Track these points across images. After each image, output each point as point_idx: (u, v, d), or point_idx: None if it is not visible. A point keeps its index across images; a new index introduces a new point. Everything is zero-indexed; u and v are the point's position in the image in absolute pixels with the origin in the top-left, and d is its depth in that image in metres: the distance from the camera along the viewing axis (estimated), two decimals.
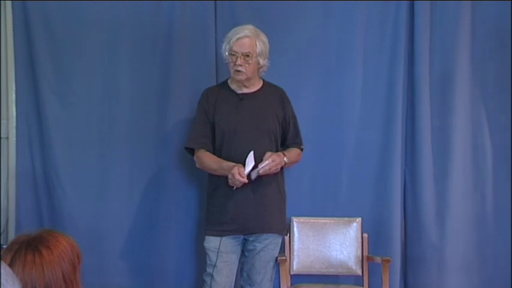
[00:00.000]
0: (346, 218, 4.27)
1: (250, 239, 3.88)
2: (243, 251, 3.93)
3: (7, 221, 4.32)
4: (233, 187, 3.74)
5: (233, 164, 3.72)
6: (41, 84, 4.29)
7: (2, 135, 4.35)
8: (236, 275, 3.92)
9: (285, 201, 4.01)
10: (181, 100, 4.34)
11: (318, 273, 4.23)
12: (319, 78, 4.43)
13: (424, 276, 4.36)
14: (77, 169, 4.31)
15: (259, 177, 3.75)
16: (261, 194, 3.83)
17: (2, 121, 4.34)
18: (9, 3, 4.31)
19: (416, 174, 4.39)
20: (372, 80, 4.41)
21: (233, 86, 3.95)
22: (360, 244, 4.22)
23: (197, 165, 3.95)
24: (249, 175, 3.70)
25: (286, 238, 4.17)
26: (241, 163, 3.71)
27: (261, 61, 3.88)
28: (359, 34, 4.39)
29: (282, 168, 3.90)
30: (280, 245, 3.99)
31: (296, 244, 4.23)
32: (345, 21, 4.39)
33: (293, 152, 3.98)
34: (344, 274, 4.24)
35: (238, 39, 3.83)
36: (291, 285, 4.18)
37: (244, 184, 3.70)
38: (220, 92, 3.96)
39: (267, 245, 3.88)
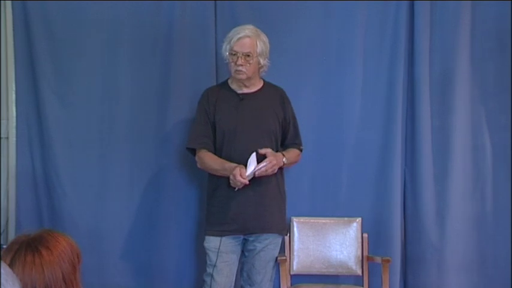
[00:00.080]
0: (346, 218, 4.27)
1: (250, 239, 3.88)
2: (243, 251, 3.93)
3: (7, 221, 4.32)
4: (235, 188, 3.74)
5: (235, 165, 3.71)
6: (41, 84, 4.29)
7: (2, 135, 4.36)
8: (236, 275, 3.92)
9: (285, 201, 4.01)
10: (181, 100, 4.34)
11: (318, 273, 4.23)
12: (319, 78, 4.43)
13: (424, 276, 4.36)
14: (77, 169, 4.31)
15: (258, 177, 3.74)
16: (261, 194, 3.83)
17: (2, 121, 4.34)
18: (9, 3, 4.31)
19: (416, 174, 4.39)
20: (372, 80, 4.41)
21: (233, 86, 3.95)
22: (360, 244, 4.22)
23: (198, 165, 3.94)
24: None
25: (286, 238, 4.17)
26: (242, 163, 3.71)
27: (262, 61, 3.88)
28: (359, 34, 4.39)
29: (281, 168, 3.91)
30: (280, 245, 3.99)
31: (296, 244, 4.23)
32: (345, 21, 4.39)
33: (292, 153, 3.98)
34: (344, 274, 4.24)
35: (239, 39, 3.83)
36: (291, 285, 4.18)
37: (245, 185, 3.70)
38: (221, 92, 3.96)
39: (267, 245, 3.88)
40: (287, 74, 4.33)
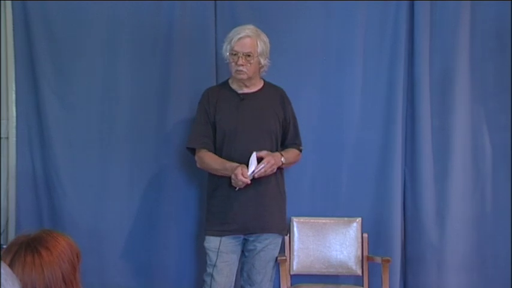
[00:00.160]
0: (346, 218, 4.27)
1: (251, 239, 3.88)
2: (243, 251, 3.93)
3: (7, 221, 4.32)
4: (236, 188, 3.74)
5: (236, 164, 3.71)
6: (41, 84, 4.29)
7: (2, 135, 4.36)
8: (236, 275, 3.92)
9: (285, 201, 4.01)
10: (181, 100, 4.34)
11: (318, 273, 4.23)
12: (319, 78, 4.43)
13: (424, 276, 4.36)
14: (77, 169, 4.31)
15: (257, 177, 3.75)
16: (261, 194, 3.83)
17: (2, 121, 4.34)
18: (9, 3, 4.32)
19: (416, 174, 4.39)
20: (372, 80, 4.41)
21: (234, 86, 3.95)
22: (360, 244, 4.22)
23: (198, 165, 3.94)
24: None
25: (286, 238, 4.17)
26: (242, 163, 3.71)
27: (262, 61, 3.88)
28: (359, 34, 4.39)
29: (281, 168, 3.91)
30: (280, 245, 3.99)
31: (296, 244, 4.23)
32: (345, 21, 4.40)
33: (291, 153, 3.98)
34: (344, 274, 4.24)
35: (239, 39, 3.83)
36: (291, 285, 4.18)
37: (247, 185, 3.70)
38: (221, 92, 3.96)
39: (267, 245, 3.88)
40: (287, 74, 4.33)
